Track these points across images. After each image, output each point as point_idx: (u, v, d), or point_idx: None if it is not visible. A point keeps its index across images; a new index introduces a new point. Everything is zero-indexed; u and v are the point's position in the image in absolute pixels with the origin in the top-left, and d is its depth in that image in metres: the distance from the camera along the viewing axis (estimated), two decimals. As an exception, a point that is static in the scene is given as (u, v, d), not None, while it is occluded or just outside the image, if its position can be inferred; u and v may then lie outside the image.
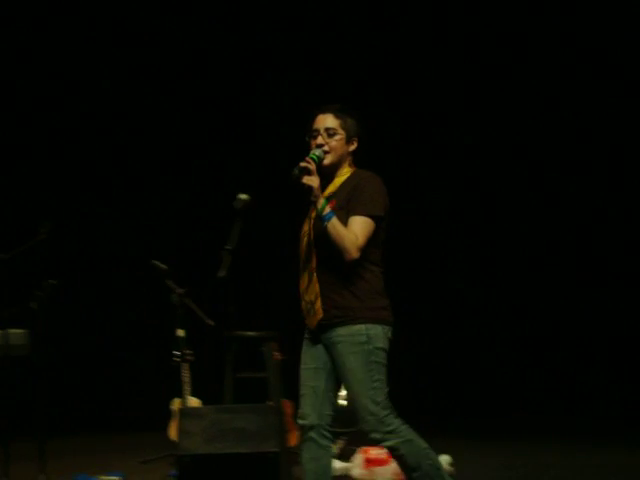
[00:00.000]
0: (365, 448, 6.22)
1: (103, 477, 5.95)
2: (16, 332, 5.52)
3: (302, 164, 4.19)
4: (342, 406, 6.83)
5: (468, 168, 9.45)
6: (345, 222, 4.16)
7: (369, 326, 4.19)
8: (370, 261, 4.25)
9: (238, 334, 5.72)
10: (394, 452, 4.20)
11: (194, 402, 6.61)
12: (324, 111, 4.39)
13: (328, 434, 4.30)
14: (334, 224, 4.12)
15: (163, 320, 7.09)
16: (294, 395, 6.82)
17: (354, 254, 4.13)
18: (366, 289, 4.22)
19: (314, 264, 4.23)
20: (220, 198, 6.03)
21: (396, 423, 4.19)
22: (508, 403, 9.09)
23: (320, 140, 4.33)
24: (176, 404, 6.76)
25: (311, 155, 4.26)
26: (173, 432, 6.76)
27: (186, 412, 5.11)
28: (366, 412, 4.17)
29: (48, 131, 9.25)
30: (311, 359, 4.32)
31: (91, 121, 9.35)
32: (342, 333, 4.18)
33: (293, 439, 6.50)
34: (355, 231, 4.14)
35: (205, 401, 6.68)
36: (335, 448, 6.62)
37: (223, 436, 4.78)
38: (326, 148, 4.31)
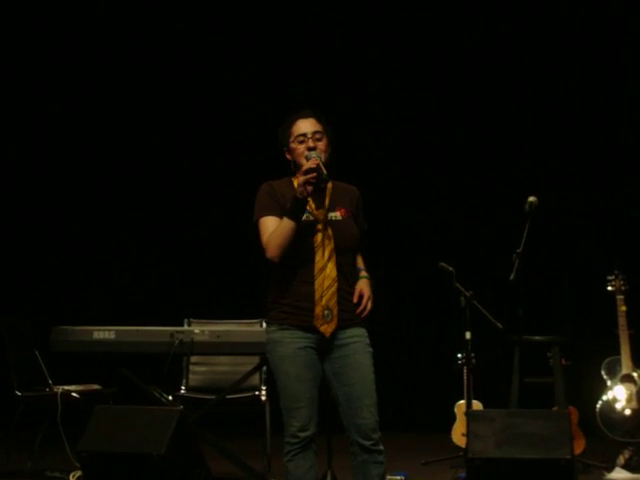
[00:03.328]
0: (656, 460, 6.00)
1: (387, 476, 6.03)
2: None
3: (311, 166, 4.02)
4: (628, 415, 6.64)
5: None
6: (355, 229, 4.26)
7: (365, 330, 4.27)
8: None
9: (525, 338, 5.63)
10: (378, 459, 4.20)
11: (475, 405, 6.60)
12: (305, 116, 4.24)
13: None
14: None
15: (447, 322, 7.11)
16: (578, 401, 6.74)
17: None
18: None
19: (335, 272, 4.15)
20: (510, 200, 5.97)
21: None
22: None
23: (311, 143, 4.17)
24: (460, 407, 6.79)
25: (317, 156, 4.08)
26: (456, 435, 6.78)
27: (475, 415, 5.09)
28: (371, 413, 4.13)
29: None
30: (308, 370, 4.18)
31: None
32: (357, 334, 4.19)
33: (579, 447, 6.37)
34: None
35: (486, 404, 6.66)
36: (622, 458, 6.43)
37: (515, 440, 4.72)
38: (319, 151, 4.14)
